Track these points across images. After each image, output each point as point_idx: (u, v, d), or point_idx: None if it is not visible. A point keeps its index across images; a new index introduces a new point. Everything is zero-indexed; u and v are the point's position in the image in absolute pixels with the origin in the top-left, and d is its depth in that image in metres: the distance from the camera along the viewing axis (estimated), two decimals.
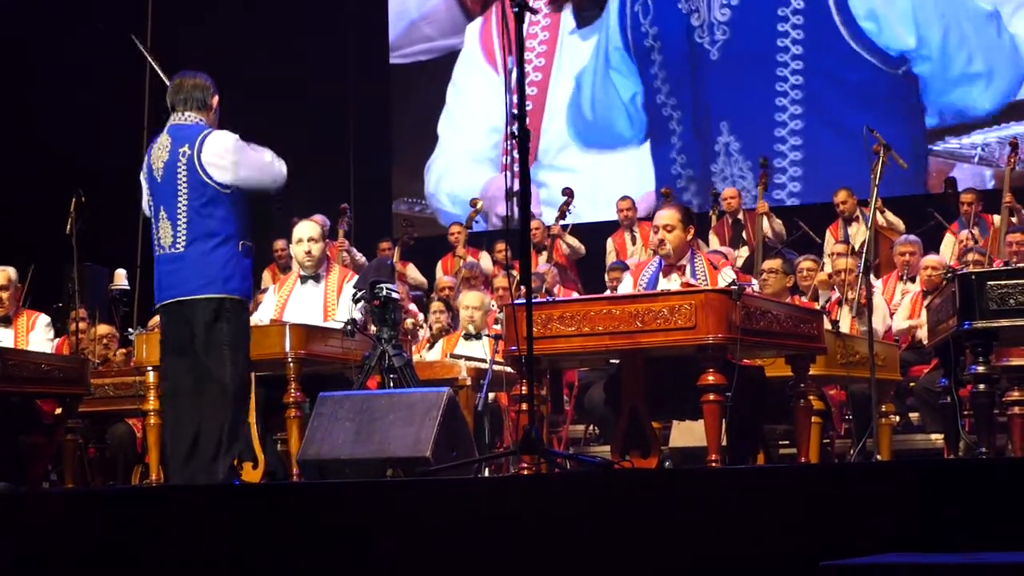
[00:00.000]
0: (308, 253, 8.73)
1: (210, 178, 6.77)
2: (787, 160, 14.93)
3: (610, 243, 14.11)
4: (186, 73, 7.01)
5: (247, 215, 6.92)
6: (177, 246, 6.83)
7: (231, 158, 6.81)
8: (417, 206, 16.81)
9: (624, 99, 15.95)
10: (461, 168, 16.52)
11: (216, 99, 6.99)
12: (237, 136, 6.89)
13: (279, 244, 13.29)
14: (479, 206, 14.58)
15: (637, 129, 15.93)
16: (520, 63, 6.33)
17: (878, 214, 12.01)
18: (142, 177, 7.06)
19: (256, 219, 7.06)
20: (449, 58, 16.84)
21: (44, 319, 9.61)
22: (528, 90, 15.97)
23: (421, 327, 11.60)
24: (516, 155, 6.18)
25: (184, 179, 6.79)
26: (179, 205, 6.81)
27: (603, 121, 16.09)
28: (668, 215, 7.74)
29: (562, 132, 16.30)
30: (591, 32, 16.23)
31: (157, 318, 11.04)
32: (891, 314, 10.30)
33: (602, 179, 15.81)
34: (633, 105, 15.93)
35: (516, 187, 6.23)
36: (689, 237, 7.73)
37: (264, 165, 6.92)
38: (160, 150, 6.90)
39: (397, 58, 17.17)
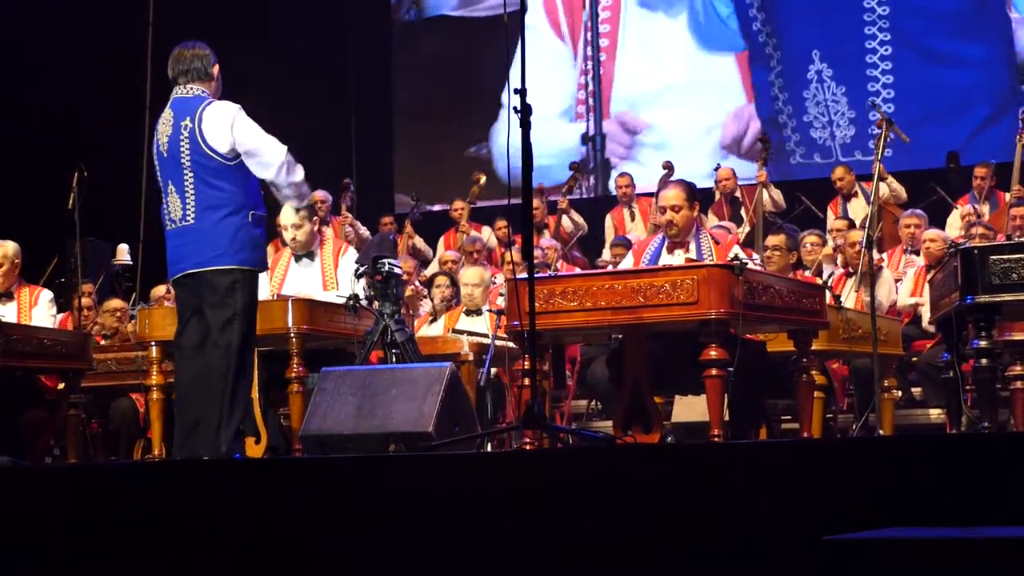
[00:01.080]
0: (294, 239, 8.77)
1: (212, 149, 6.77)
2: (879, 84, 14.82)
3: (608, 220, 14.10)
4: (185, 44, 7.00)
5: (255, 186, 6.92)
6: (187, 219, 6.83)
7: (231, 127, 6.79)
8: (483, 148, 16.72)
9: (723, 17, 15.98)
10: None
11: (216, 68, 6.99)
12: (239, 107, 6.87)
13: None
14: (482, 181, 14.55)
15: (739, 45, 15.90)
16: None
17: (881, 184, 12.02)
18: (154, 153, 7.06)
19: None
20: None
21: (47, 295, 9.61)
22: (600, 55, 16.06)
23: (423, 298, 11.60)
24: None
25: (187, 152, 6.79)
26: (186, 178, 6.81)
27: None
28: (675, 195, 7.70)
29: (635, 93, 16.14)
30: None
31: (159, 291, 11.15)
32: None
33: (694, 124, 15.81)
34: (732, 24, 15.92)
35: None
36: (695, 214, 7.71)
37: (264, 137, 6.85)
38: (164, 125, 6.90)
39: (475, 11, 16.95)
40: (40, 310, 9.42)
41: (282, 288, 8.66)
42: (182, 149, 6.81)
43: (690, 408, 8.23)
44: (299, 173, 6.97)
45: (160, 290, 11.32)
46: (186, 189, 6.81)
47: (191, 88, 6.92)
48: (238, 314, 6.77)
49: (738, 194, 13.66)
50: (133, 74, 11.70)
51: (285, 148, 6.89)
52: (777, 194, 13.37)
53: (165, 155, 6.88)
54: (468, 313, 10.11)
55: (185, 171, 6.81)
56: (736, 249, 7.67)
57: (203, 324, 6.85)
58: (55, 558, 4.94)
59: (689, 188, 7.77)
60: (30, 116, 13.95)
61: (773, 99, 15.43)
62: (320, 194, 12.32)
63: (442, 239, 14.35)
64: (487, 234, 13.70)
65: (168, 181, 6.89)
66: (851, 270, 9.84)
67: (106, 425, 10.20)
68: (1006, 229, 10.82)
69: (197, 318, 6.87)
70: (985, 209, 12.00)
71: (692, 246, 7.62)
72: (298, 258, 8.81)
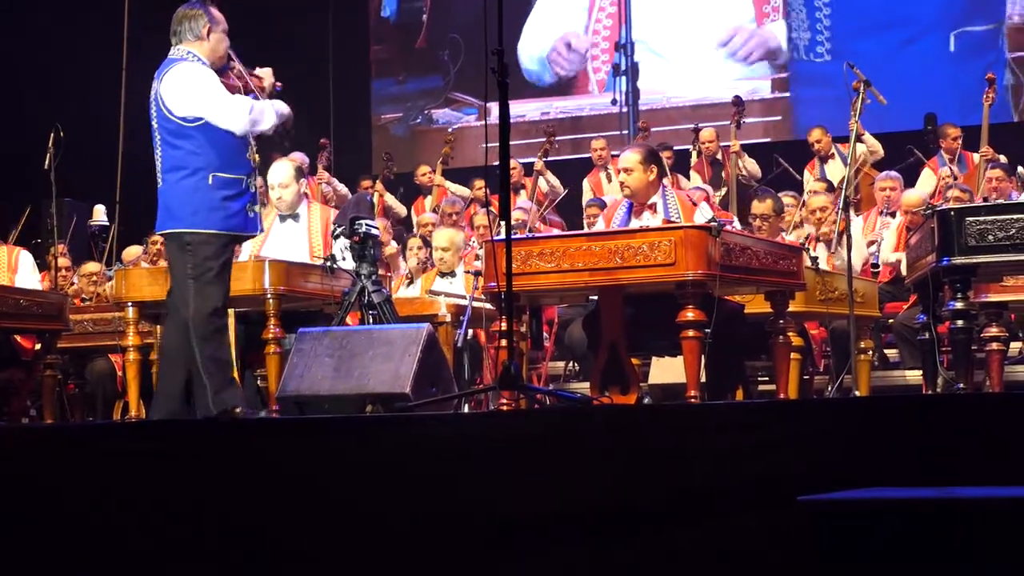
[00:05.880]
0: (279, 199, 8.75)
1: (169, 111, 6.80)
2: None
3: (586, 183, 14.12)
4: (185, 5, 7.02)
5: (223, 148, 6.86)
6: (159, 180, 6.87)
7: (188, 91, 6.81)
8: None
9: None
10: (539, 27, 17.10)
11: (207, 28, 6.91)
12: (207, 71, 6.89)
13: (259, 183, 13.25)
14: (451, 140, 14.63)
15: None
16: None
17: (859, 144, 12.02)
18: None
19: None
20: None
21: (27, 256, 9.59)
22: None
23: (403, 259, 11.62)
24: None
25: (155, 113, 6.89)
26: (156, 138, 6.89)
27: None
28: (626, 157, 7.75)
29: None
30: None
31: (133, 252, 11.15)
32: (867, 248, 10.31)
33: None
34: None
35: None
36: (651, 177, 7.68)
37: (219, 100, 6.85)
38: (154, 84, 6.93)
39: None
40: (24, 274, 9.41)
41: (263, 248, 8.64)
42: (152, 111, 6.90)
43: (667, 370, 8.25)
44: (266, 120, 6.99)
45: (134, 251, 11.31)
46: (156, 150, 6.87)
47: (178, 49, 6.96)
48: (191, 279, 6.77)
49: (720, 156, 13.67)
50: (111, 33, 11.64)
51: (246, 105, 6.90)
52: (751, 163, 13.44)
53: (150, 116, 6.93)
54: (443, 275, 10.11)
55: (155, 132, 6.90)
56: (704, 206, 7.68)
57: (172, 297, 6.92)
58: (30, 519, 4.93)
59: (644, 151, 7.79)
60: (5, 75, 13.87)
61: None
62: (296, 156, 12.29)
63: (414, 206, 14.42)
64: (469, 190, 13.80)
65: (152, 141, 6.92)
66: (817, 235, 9.87)
67: (83, 386, 10.19)
68: (979, 191, 10.85)
69: (170, 294, 6.92)
70: (955, 170, 12.02)
71: (659, 207, 7.63)
72: (283, 218, 8.80)
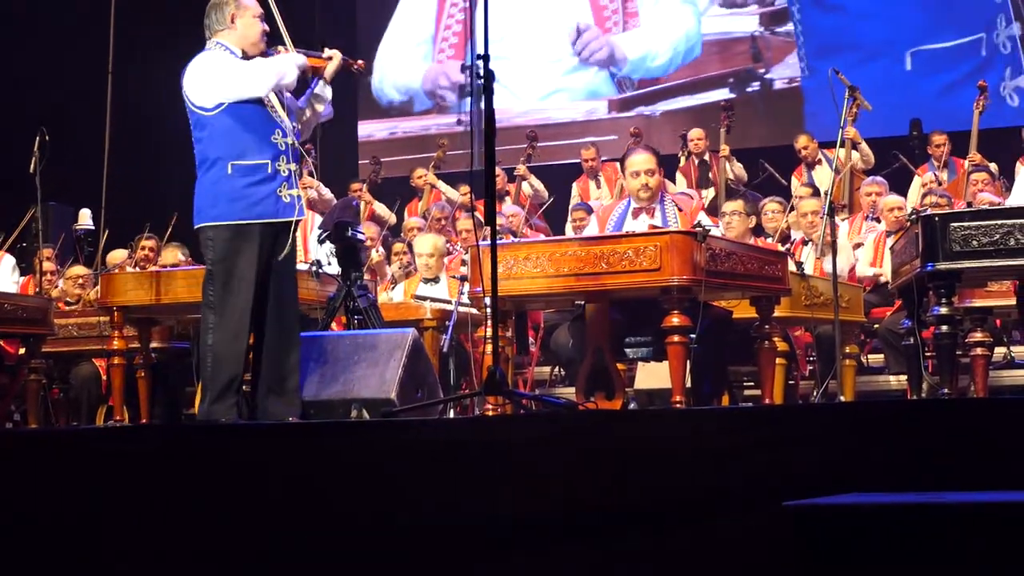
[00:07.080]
0: None
1: (191, 103, 6.67)
2: None
3: (575, 188, 14.14)
4: None
5: (239, 135, 6.64)
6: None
7: (202, 78, 6.65)
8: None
9: None
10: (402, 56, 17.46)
11: (232, 14, 6.73)
12: (220, 55, 6.71)
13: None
14: (445, 145, 14.64)
15: None
16: None
17: (853, 149, 12.05)
18: None
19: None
20: None
21: (9, 259, 9.57)
22: None
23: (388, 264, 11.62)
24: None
25: (185, 109, 6.72)
26: (192, 135, 6.74)
27: None
28: (649, 159, 7.68)
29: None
30: None
31: (117, 256, 11.12)
32: (854, 250, 10.33)
33: None
34: None
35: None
36: (662, 179, 7.77)
37: (239, 75, 6.65)
38: None
39: None
40: (3, 276, 9.38)
41: None
42: (183, 107, 6.74)
43: (653, 375, 8.25)
44: (280, 67, 6.70)
45: (118, 255, 11.28)
46: (193, 146, 6.75)
47: (208, 42, 6.78)
48: (212, 273, 6.64)
49: (707, 158, 13.67)
50: (97, 37, 11.63)
51: (258, 63, 6.70)
52: (739, 167, 13.44)
53: None
54: (426, 280, 10.11)
55: (190, 129, 6.75)
56: (702, 215, 7.69)
57: None
58: (14, 524, 4.92)
59: (655, 153, 7.82)
60: None
61: None
62: None
63: (407, 208, 14.40)
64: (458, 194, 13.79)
65: None
66: (806, 238, 9.88)
67: (67, 391, 10.16)
68: (965, 196, 10.86)
69: None
70: (944, 176, 12.04)
71: (657, 212, 7.63)
72: None
